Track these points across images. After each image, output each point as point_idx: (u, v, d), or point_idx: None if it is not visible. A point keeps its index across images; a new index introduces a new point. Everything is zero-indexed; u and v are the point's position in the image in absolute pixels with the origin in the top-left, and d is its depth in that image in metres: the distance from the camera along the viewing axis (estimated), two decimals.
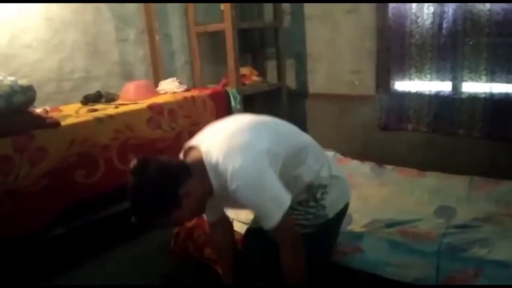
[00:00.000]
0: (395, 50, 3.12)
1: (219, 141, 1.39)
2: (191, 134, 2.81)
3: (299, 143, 1.54)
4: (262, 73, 3.81)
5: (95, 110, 2.49)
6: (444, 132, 3.01)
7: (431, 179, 2.33)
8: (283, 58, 3.65)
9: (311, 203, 1.54)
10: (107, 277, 2.32)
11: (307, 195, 1.55)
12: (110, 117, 2.39)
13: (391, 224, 1.83)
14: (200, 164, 1.37)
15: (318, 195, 1.54)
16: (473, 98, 2.85)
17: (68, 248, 2.38)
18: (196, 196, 1.36)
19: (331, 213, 1.57)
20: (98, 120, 2.34)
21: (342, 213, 1.62)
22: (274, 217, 1.34)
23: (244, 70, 3.51)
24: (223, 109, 3.06)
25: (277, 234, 1.39)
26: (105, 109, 2.50)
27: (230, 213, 1.79)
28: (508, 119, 2.72)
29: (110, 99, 2.75)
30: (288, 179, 1.43)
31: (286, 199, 1.36)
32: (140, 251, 2.56)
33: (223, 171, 1.32)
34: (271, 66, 3.85)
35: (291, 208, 1.40)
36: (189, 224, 2.08)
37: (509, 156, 2.77)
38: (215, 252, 1.90)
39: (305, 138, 1.61)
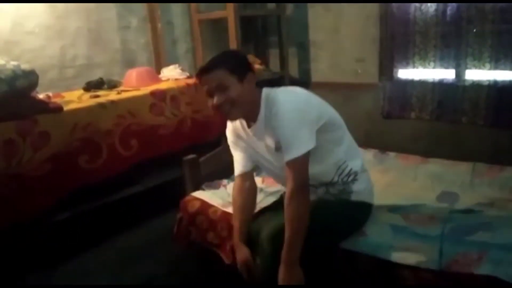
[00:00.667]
0: (398, 37, 3.10)
1: (283, 88, 1.64)
2: (194, 121, 2.87)
3: (339, 121, 1.67)
4: (265, 62, 3.79)
5: (98, 96, 2.49)
6: (448, 120, 2.99)
7: (434, 165, 2.31)
8: (286, 46, 3.64)
9: (338, 186, 1.64)
10: (110, 263, 2.33)
11: (336, 177, 1.64)
12: (113, 102, 2.38)
13: (394, 209, 1.82)
14: (258, 89, 1.59)
15: (348, 178, 1.64)
16: (477, 86, 2.83)
17: (72, 234, 2.38)
18: (251, 90, 1.56)
19: (355, 197, 1.65)
20: (101, 105, 2.34)
21: (364, 211, 1.69)
22: (299, 148, 1.46)
23: None
24: None
25: (292, 168, 1.47)
26: (107, 95, 2.50)
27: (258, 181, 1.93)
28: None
29: (113, 85, 2.75)
30: (322, 149, 1.55)
31: (313, 142, 1.49)
32: (142, 238, 2.55)
33: (274, 99, 1.52)
34: (273, 54, 3.83)
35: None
36: (192, 209, 2.08)
37: None
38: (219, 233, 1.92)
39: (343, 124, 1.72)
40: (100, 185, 2.36)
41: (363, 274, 1.58)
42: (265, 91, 1.59)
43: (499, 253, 1.44)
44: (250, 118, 1.62)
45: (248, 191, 1.78)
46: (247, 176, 1.79)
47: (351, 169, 1.65)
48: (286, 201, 1.48)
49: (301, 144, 1.47)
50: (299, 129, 1.47)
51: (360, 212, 1.68)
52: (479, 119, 2.86)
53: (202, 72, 1.53)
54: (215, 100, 1.53)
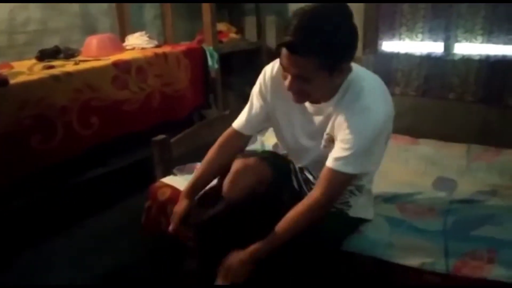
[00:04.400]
0: (384, 7, 2.90)
1: (370, 75, 1.36)
2: (163, 96, 2.62)
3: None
4: (240, 30, 3.54)
5: (52, 67, 2.23)
6: (434, 96, 2.86)
7: (426, 147, 2.17)
8: (263, 14, 3.38)
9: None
10: (74, 252, 2.13)
11: None
12: (69, 74, 2.12)
13: (387, 199, 1.66)
14: (346, 73, 1.28)
15: (353, 189, 1.42)
16: (467, 60, 2.68)
17: (30, 222, 2.16)
18: (338, 81, 1.26)
19: (354, 213, 1.45)
20: (55, 78, 2.07)
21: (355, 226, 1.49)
22: (356, 166, 1.26)
23: (221, 27, 3.24)
24: (199, 69, 2.80)
25: (334, 179, 1.27)
26: (63, 66, 2.25)
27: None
28: (504, 83, 2.56)
29: (70, 54, 2.49)
30: None
31: (369, 166, 1.32)
32: (110, 224, 2.35)
33: (360, 94, 1.25)
34: (250, 22, 3.57)
35: None
36: (162, 197, 1.86)
37: (502, 121, 2.64)
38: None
39: None
40: (56, 168, 2.13)
41: (361, 276, 1.40)
42: (353, 73, 1.29)
43: (511, 252, 1.29)
44: (317, 100, 1.35)
45: (229, 151, 1.52)
46: (240, 138, 1.55)
47: (360, 183, 1.43)
48: (304, 204, 1.29)
49: (362, 164, 1.27)
50: (369, 148, 1.26)
51: (356, 230, 1.48)
52: (467, 95, 2.73)
53: (289, 48, 1.17)
54: (288, 83, 1.24)
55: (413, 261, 1.32)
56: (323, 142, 1.35)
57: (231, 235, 1.34)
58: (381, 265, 1.35)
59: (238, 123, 1.54)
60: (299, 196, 1.41)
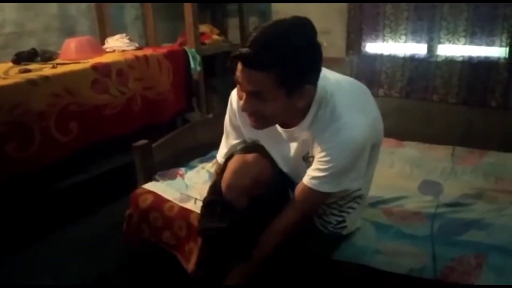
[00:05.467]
0: (368, 8, 2.90)
1: (343, 84, 1.24)
2: (145, 100, 2.55)
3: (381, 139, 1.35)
4: (223, 32, 3.49)
5: (28, 70, 2.14)
6: (418, 98, 2.87)
7: (411, 149, 2.16)
8: (246, 15, 3.35)
9: (333, 210, 1.36)
10: (52, 261, 2.06)
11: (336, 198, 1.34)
12: (46, 78, 2.04)
13: (373, 203, 1.63)
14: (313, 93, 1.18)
15: (346, 206, 1.36)
16: (450, 62, 2.70)
17: (5, 231, 2.06)
18: (300, 105, 1.16)
19: (347, 231, 1.41)
20: (31, 82, 1.99)
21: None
22: (326, 184, 1.20)
23: (203, 28, 3.19)
24: (181, 71, 2.74)
25: (304, 196, 1.24)
26: (40, 70, 2.16)
27: None
28: (486, 85, 2.58)
29: (47, 57, 2.40)
30: None
31: (351, 183, 1.25)
32: (89, 232, 2.28)
33: (339, 115, 1.16)
34: (232, 23, 3.54)
35: None
36: (144, 205, 1.81)
37: (485, 123, 2.67)
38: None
39: None
40: (33, 176, 2.05)
41: (349, 284, 1.38)
42: (322, 91, 1.18)
43: (499, 258, 1.30)
44: (287, 124, 1.28)
45: None
46: None
47: (356, 195, 1.36)
48: (283, 211, 1.28)
49: (340, 183, 1.22)
50: (349, 167, 1.20)
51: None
52: (451, 97, 2.75)
53: (244, 60, 1.08)
54: (243, 102, 1.15)
55: (401, 268, 1.30)
56: (305, 162, 1.29)
57: (236, 244, 1.32)
58: (368, 272, 1.33)
59: (222, 155, 1.49)
60: None
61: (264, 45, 1.06)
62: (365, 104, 1.26)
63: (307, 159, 1.27)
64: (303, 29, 1.10)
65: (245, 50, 1.06)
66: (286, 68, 1.07)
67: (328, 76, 1.21)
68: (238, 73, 1.12)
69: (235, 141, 1.44)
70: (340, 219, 1.36)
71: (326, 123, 1.18)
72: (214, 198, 1.33)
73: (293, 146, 1.30)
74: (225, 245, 1.32)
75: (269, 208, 1.30)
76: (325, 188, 1.21)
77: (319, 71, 1.15)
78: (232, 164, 1.32)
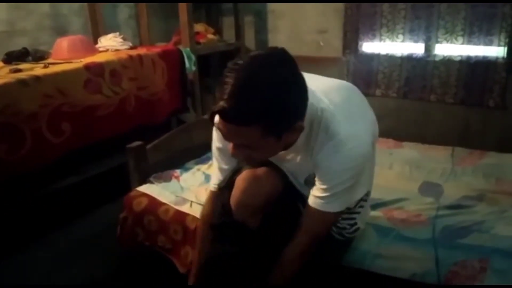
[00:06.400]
0: (365, 7, 2.88)
1: (332, 95, 1.15)
2: (138, 100, 2.51)
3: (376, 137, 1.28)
4: (218, 31, 3.46)
5: (19, 70, 2.09)
6: (415, 98, 2.86)
7: (410, 150, 2.13)
8: (242, 14, 3.31)
9: (344, 215, 1.30)
10: (43, 264, 2.01)
11: None
12: (37, 79, 1.99)
13: (374, 205, 1.60)
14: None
15: (355, 207, 1.31)
16: (448, 61, 2.69)
17: None
18: (295, 139, 1.11)
19: (358, 232, 1.37)
20: (22, 82, 1.94)
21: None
22: (332, 203, 1.15)
23: (198, 27, 3.15)
24: (175, 71, 2.70)
25: (312, 217, 1.18)
26: (31, 69, 2.11)
27: None
28: (484, 84, 2.57)
29: (39, 57, 2.35)
30: None
31: (356, 195, 1.21)
32: (82, 235, 2.24)
33: (325, 133, 1.10)
34: (228, 23, 3.50)
35: None
36: (138, 208, 1.77)
37: (482, 123, 2.66)
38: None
39: None
40: (24, 178, 2.00)
41: None
42: (311, 109, 1.08)
43: (503, 261, 1.26)
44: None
45: None
46: None
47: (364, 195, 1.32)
48: (292, 241, 1.21)
49: (346, 200, 1.17)
50: (353, 183, 1.13)
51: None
52: (448, 97, 2.73)
53: (224, 117, 0.99)
54: (232, 150, 1.09)
55: (403, 273, 1.27)
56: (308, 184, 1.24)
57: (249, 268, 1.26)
58: (370, 277, 1.29)
59: (215, 180, 1.38)
60: None
61: (243, 99, 0.95)
62: (359, 109, 1.20)
63: (309, 182, 1.22)
64: (282, 65, 0.99)
65: (222, 105, 0.96)
66: (271, 118, 0.98)
67: (313, 89, 1.11)
68: (220, 125, 1.03)
69: (226, 166, 1.34)
70: (352, 221, 1.32)
71: (321, 142, 1.11)
72: (225, 219, 1.24)
73: (292, 163, 1.25)
74: (237, 270, 1.25)
75: (280, 224, 1.24)
76: (331, 208, 1.16)
77: (306, 102, 1.05)
78: (241, 181, 1.23)
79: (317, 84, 1.15)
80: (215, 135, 1.31)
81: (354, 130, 1.11)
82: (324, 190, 1.13)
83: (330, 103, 1.13)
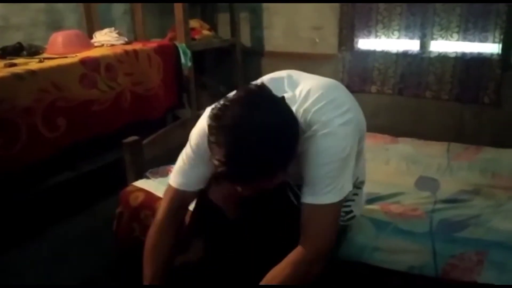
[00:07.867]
0: (360, 4, 2.88)
1: (309, 96, 1.11)
2: (134, 95, 2.50)
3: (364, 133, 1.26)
4: (213, 27, 3.44)
5: (14, 64, 2.08)
6: (410, 95, 2.86)
7: (406, 146, 2.14)
8: (237, 10, 3.30)
9: None
10: (40, 262, 2.00)
11: None
12: (33, 73, 1.98)
13: (371, 199, 1.61)
14: None
15: (349, 194, 1.23)
16: (443, 58, 2.70)
17: None
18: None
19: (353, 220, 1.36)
20: (17, 77, 1.93)
21: None
22: (330, 193, 1.07)
23: (193, 23, 3.13)
24: (171, 67, 2.69)
25: (312, 217, 1.09)
26: (26, 64, 2.09)
27: None
28: (479, 81, 2.58)
29: (34, 52, 2.34)
30: None
31: (351, 184, 1.14)
32: (78, 231, 2.23)
33: (313, 142, 1.06)
34: (223, 19, 3.49)
35: None
36: (134, 203, 1.76)
37: (477, 119, 2.67)
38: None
39: None
40: (19, 174, 1.99)
41: (348, 282, 1.35)
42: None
43: (499, 254, 1.28)
44: None
45: (176, 216, 1.31)
46: (185, 197, 1.29)
47: (357, 179, 1.30)
48: (293, 266, 1.09)
49: (336, 190, 1.08)
50: (338, 176, 1.08)
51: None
52: (443, 94, 2.74)
53: (229, 180, 1.01)
54: (244, 193, 1.06)
55: (401, 265, 1.28)
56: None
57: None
58: (368, 270, 1.30)
59: (176, 182, 1.29)
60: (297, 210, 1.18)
61: (241, 161, 0.94)
62: (338, 103, 1.13)
63: (292, 189, 1.20)
64: (267, 109, 0.96)
65: (224, 170, 0.95)
66: (277, 168, 0.99)
67: (289, 97, 1.10)
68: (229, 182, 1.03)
69: (192, 174, 1.26)
70: (347, 209, 1.31)
71: (303, 143, 1.08)
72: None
73: None
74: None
75: (273, 218, 1.21)
76: (331, 199, 1.08)
77: (297, 126, 1.04)
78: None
79: (299, 82, 1.17)
80: (197, 136, 1.25)
81: (333, 125, 1.07)
82: (314, 184, 1.09)
83: (308, 103, 1.10)
